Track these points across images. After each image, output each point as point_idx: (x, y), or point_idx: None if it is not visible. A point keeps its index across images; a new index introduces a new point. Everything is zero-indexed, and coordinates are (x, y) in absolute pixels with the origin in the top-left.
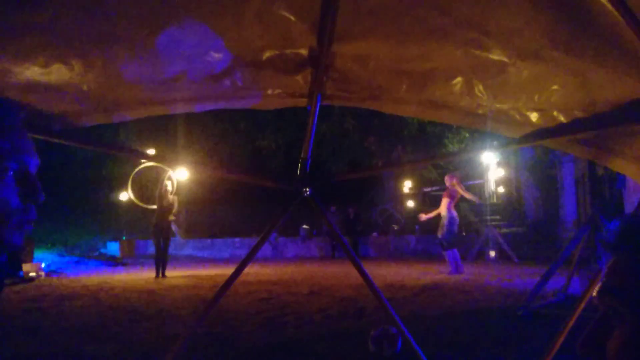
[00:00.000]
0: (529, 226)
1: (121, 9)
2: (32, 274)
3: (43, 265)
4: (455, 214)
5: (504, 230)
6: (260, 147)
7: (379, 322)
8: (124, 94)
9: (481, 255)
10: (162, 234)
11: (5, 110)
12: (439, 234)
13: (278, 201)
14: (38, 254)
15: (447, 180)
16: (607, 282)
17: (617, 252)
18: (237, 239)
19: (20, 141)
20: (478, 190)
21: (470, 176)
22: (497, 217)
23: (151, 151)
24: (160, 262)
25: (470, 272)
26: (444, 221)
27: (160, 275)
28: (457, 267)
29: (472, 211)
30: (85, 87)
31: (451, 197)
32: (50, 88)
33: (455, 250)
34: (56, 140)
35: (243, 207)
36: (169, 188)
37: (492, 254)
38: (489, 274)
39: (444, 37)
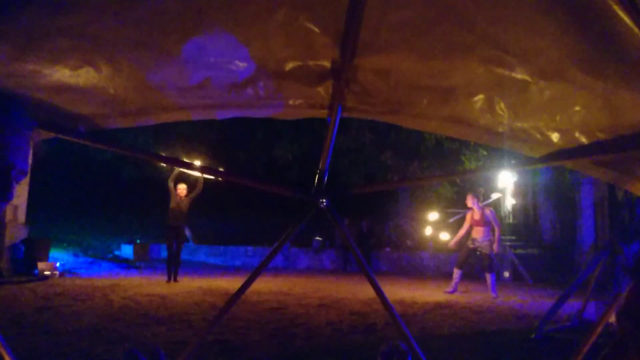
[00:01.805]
0: (545, 248)
1: (151, 16)
2: (47, 273)
3: (58, 264)
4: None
5: (519, 250)
6: (277, 156)
7: (388, 338)
8: (149, 98)
9: (495, 276)
10: (177, 238)
11: (5, 107)
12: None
13: (292, 211)
14: (54, 253)
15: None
16: (626, 305)
17: (636, 276)
18: (249, 247)
19: (11, 140)
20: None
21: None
22: (513, 237)
23: (197, 162)
24: (173, 266)
25: (484, 292)
26: None
27: (172, 279)
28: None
29: None
30: (112, 91)
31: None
32: (78, 90)
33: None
34: (81, 142)
35: (257, 215)
36: (184, 191)
37: (507, 274)
38: (503, 295)
39: (467, 54)
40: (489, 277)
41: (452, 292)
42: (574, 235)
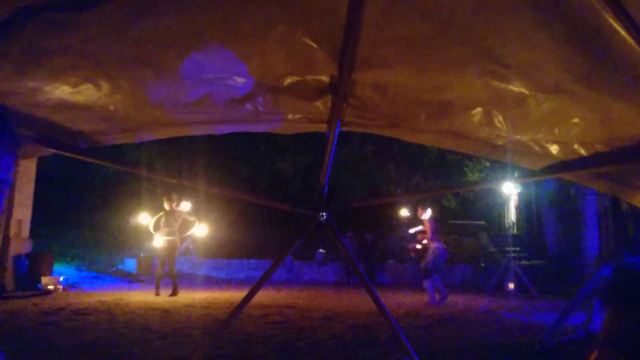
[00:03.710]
0: (550, 259)
1: (150, 34)
2: (50, 287)
3: (61, 278)
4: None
5: (524, 262)
6: (279, 169)
7: (392, 352)
8: (148, 115)
9: (499, 287)
10: (170, 253)
11: None
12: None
13: (295, 224)
14: (57, 267)
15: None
16: (608, 335)
17: (613, 302)
18: (252, 261)
19: None
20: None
21: None
22: (517, 248)
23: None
24: (164, 279)
25: (488, 304)
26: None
27: (174, 294)
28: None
29: (491, 242)
30: (111, 108)
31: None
32: (78, 107)
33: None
34: (82, 158)
35: (260, 229)
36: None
37: (511, 286)
38: (507, 307)
39: (464, 68)
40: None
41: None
42: (578, 246)
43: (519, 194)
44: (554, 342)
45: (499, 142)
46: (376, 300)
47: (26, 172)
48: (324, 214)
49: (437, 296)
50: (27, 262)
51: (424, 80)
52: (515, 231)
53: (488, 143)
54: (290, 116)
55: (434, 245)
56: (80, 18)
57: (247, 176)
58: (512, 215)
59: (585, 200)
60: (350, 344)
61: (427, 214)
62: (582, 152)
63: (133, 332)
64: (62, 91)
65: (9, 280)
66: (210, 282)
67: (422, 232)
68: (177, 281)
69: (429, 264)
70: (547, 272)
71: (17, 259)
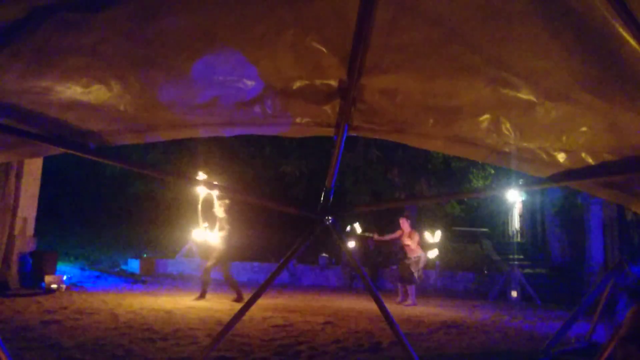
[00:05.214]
0: (554, 268)
1: (161, 36)
2: (54, 286)
3: (65, 277)
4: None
5: (527, 270)
6: (284, 173)
7: (394, 357)
8: (158, 116)
9: (502, 295)
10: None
11: None
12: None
13: (298, 227)
14: (61, 266)
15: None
16: (630, 330)
17: (638, 299)
18: (255, 264)
19: None
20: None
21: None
22: (521, 256)
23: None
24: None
25: (491, 312)
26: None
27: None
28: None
29: (495, 249)
30: (122, 108)
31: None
32: (89, 107)
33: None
34: (91, 158)
35: (262, 232)
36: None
37: (514, 294)
38: (510, 315)
39: (473, 75)
40: (409, 288)
41: (413, 305)
42: (582, 256)
43: (524, 202)
44: (558, 352)
45: (506, 150)
46: (380, 305)
47: (32, 171)
48: (330, 218)
49: (409, 300)
50: (31, 261)
51: (432, 87)
52: (519, 239)
53: (495, 150)
54: (298, 120)
55: (418, 254)
56: (93, 19)
57: (251, 179)
58: (516, 223)
59: (590, 210)
60: (351, 349)
61: (409, 225)
62: (590, 160)
63: (135, 332)
64: (73, 91)
65: (13, 278)
66: (212, 284)
67: (395, 238)
68: (237, 285)
69: (417, 273)
70: (551, 281)
71: (22, 257)
